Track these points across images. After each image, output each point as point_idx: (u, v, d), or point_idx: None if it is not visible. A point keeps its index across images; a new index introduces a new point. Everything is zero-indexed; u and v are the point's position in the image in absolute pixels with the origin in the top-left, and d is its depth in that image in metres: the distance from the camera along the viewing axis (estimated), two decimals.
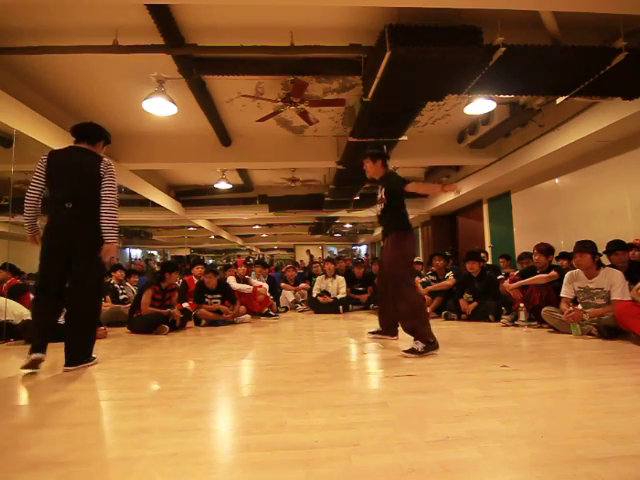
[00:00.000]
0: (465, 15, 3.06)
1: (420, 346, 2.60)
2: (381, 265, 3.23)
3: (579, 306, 3.44)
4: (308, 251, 16.10)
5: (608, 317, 3.12)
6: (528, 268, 4.17)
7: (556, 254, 4.38)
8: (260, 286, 5.39)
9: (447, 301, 4.86)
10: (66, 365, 2.40)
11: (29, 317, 3.03)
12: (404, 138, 5.03)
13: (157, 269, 15.30)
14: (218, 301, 4.73)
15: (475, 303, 4.47)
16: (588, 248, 3.33)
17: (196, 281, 5.17)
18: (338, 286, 5.92)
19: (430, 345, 2.64)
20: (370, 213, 10.26)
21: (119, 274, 5.49)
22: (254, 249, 21.93)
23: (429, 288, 5.06)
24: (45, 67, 4.08)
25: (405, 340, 2.98)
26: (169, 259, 19.82)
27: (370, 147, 3.17)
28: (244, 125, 5.72)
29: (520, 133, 5.85)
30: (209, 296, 4.71)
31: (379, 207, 3.10)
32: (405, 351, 2.60)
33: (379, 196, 3.10)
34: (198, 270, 5.43)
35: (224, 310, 4.69)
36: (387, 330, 3.32)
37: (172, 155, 6.23)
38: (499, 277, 5.00)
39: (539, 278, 3.81)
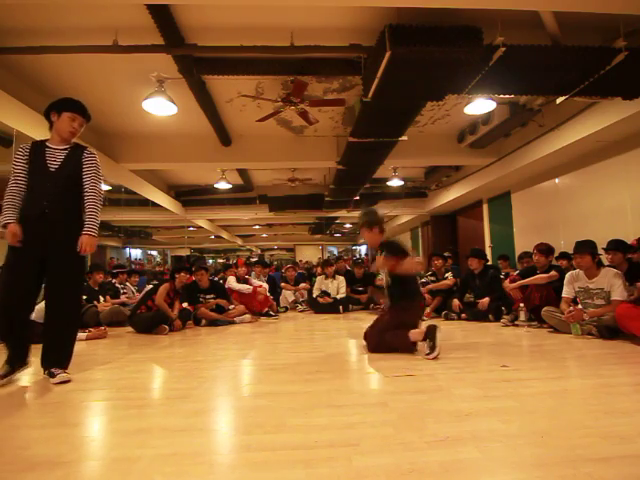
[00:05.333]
0: (465, 15, 3.05)
1: (431, 343, 2.58)
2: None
3: (579, 306, 3.44)
4: (300, 261, 16.04)
5: (608, 317, 3.12)
6: (528, 268, 4.17)
7: (556, 254, 4.38)
8: (260, 286, 5.39)
9: (447, 301, 4.86)
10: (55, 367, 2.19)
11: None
12: (404, 138, 5.02)
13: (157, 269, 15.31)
14: (212, 300, 4.74)
15: (487, 299, 4.42)
16: (588, 249, 3.33)
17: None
18: (338, 286, 5.92)
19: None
20: None
21: (122, 277, 5.60)
22: (254, 249, 21.96)
23: (429, 287, 5.07)
24: (45, 67, 4.08)
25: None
26: (169, 259, 19.85)
27: (362, 212, 3.09)
28: (244, 125, 5.72)
29: (520, 133, 5.84)
30: (202, 296, 4.72)
31: (384, 277, 3.01)
32: (427, 354, 2.54)
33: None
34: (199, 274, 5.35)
35: (224, 304, 4.71)
36: None
37: (172, 155, 6.23)
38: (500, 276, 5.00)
39: (539, 278, 3.81)
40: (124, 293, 5.47)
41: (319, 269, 6.84)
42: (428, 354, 2.53)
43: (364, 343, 2.94)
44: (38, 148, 2.26)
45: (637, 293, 3.29)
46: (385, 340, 2.76)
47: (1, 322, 2.13)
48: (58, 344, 2.23)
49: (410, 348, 2.70)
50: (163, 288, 4.17)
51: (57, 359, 2.21)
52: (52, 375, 2.14)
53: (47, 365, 2.19)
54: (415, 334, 2.68)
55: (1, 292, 2.14)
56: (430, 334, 2.59)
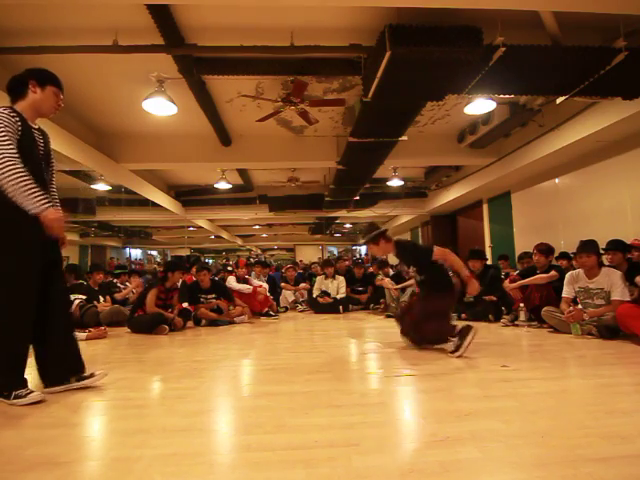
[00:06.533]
0: (465, 15, 3.05)
1: (459, 342, 2.59)
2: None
3: (579, 306, 3.44)
4: (301, 261, 16.08)
5: (608, 317, 3.12)
6: (528, 268, 4.16)
7: (556, 254, 4.37)
8: (260, 286, 5.39)
9: None
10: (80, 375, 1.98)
11: None
12: (404, 138, 5.02)
13: (158, 269, 15.33)
14: (213, 300, 4.74)
15: (492, 297, 4.39)
16: (594, 248, 3.33)
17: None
18: (338, 286, 5.91)
19: (463, 332, 2.63)
20: (370, 213, 10.27)
21: (123, 277, 5.60)
22: (254, 249, 21.96)
23: None
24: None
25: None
26: (169, 259, 19.84)
27: (365, 231, 3.13)
28: (244, 125, 5.72)
29: (520, 133, 5.84)
30: (203, 296, 4.71)
31: (414, 274, 3.06)
32: (451, 352, 2.57)
33: (407, 269, 3.04)
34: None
35: (223, 306, 4.71)
36: None
37: (172, 155, 6.23)
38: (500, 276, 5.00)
39: (539, 278, 3.80)
40: None
41: (318, 269, 6.84)
42: (452, 352, 2.56)
43: (403, 339, 2.96)
44: (24, 123, 1.83)
45: (637, 293, 3.29)
46: (427, 333, 2.78)
47: (20, 354, 1.80)
48: (76, 348, 2.02)
49: (445, 339, 2.70)
50: (151, 294, 4.07)
51: (80, 362, 2.02)
52: (87, 377, 1.98)
53: (72, 373, 1.96)
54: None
55: (18, 319, 1.78)
56: (462, 333, 2.61)
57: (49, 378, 1.95)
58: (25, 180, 1.70)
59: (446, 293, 2.86)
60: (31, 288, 1.82)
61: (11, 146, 1.71)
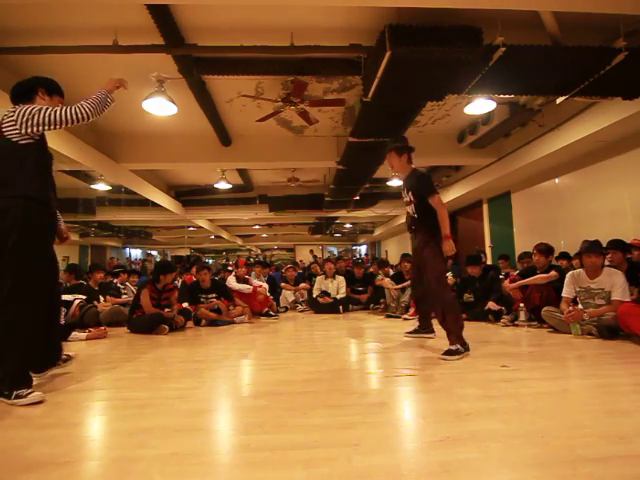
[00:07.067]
0: (465, 15, 3.05)
1: (456, 347, 2.55)
2: (414, 262, 3.16)
3: (579, 306, 3.44)
4: (311, 251, 16.26)
5: (608, 317, 3.12)
6: (528, 268, 4.17)
7: (556, 254, 4.37)
8: (260, 286, 5.39)
9: None
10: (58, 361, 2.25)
11: None
12: None
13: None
14: (213, 300, 4.74)
15: (493, 303, 4.38)
16: (601, 249, 3.33)
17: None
18: (338, 286, 5.92)
19: (465, 347, 2.58)
20: (370, 213, 10.26)
21: (123, 277, 5.59)
22: (254, 249, 21.97)
23: None
24: (45, 67, 4.07)
25: (441, 337, 2.89)
26: (169, 259, 19.84)
27: (391, 140, 3.06)
28: (244, 125, 5.72)
29: (520, 133, 5.84)
30: (204, 296, 4.71)
31: (409, 209, 2.99)
32: (443, 354, 2.52)
33: (406, 199, 2.98)
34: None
35: (222, 307, 4.70)
36: (424, 328, 3.31)
37: (172, 155, 6.23)
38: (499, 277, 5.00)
39: (539, 278, 3.81)
40: (124, 293, 5.48)
41: (318, 268, 6.84)
42: (443, 354, 2.52)
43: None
44: None
45: (637, 293, 3.29)
46: (447, 313, 2.70)
47: (30, 356, 1.89)
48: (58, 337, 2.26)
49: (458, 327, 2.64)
50: (144, 296, 4.04)
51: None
52: (67, 359, 2.32)
53: (57, 359, 2.22)
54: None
55: (36, 323, 1.87)
56: (464, 348, 2.58)
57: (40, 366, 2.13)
58: (87, 105, 2.18)
59: (437, 238, 2.79)
60: (46, 292, 1.95)
61: (56, 108, 1.98)
